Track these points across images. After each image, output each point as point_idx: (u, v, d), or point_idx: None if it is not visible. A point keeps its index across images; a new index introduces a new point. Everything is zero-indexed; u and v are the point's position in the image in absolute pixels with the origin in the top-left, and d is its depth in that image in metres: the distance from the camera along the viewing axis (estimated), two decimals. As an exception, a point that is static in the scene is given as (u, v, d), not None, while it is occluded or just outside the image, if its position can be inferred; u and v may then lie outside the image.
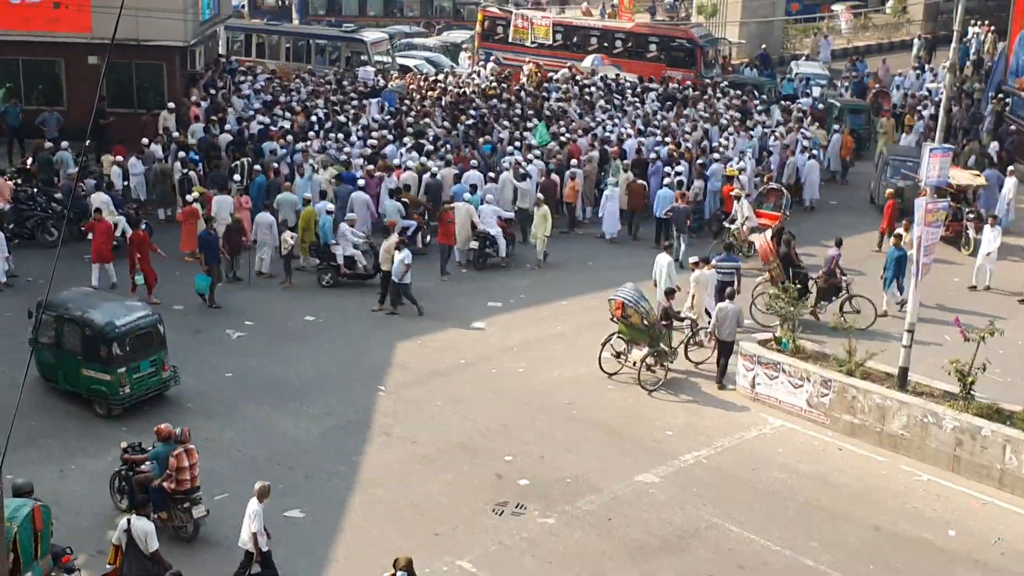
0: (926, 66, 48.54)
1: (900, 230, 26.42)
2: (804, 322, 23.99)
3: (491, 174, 30.22)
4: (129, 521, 14.93)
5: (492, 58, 48.38)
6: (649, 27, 48.97)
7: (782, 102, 40.65)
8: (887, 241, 28.04)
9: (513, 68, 45.77)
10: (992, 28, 53.20)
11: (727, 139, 34.24)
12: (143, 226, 25.32)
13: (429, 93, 39.62)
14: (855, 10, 60.79)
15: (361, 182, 28.99)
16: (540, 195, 29.02)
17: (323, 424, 20.23)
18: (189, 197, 27.56)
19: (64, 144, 30.61)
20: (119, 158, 29.92)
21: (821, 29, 58.64)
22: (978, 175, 31.19)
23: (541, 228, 28.08)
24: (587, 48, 47.27)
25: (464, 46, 51.14)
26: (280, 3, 59.39)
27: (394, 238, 25.17)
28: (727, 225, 29.08)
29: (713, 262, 24.95)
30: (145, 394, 20.34)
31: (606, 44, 47.19)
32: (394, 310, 24.99)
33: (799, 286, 23.59)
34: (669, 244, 26.75)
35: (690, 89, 41.36)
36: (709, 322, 23.15)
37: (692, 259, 24.98)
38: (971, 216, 29.12)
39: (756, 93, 41.87)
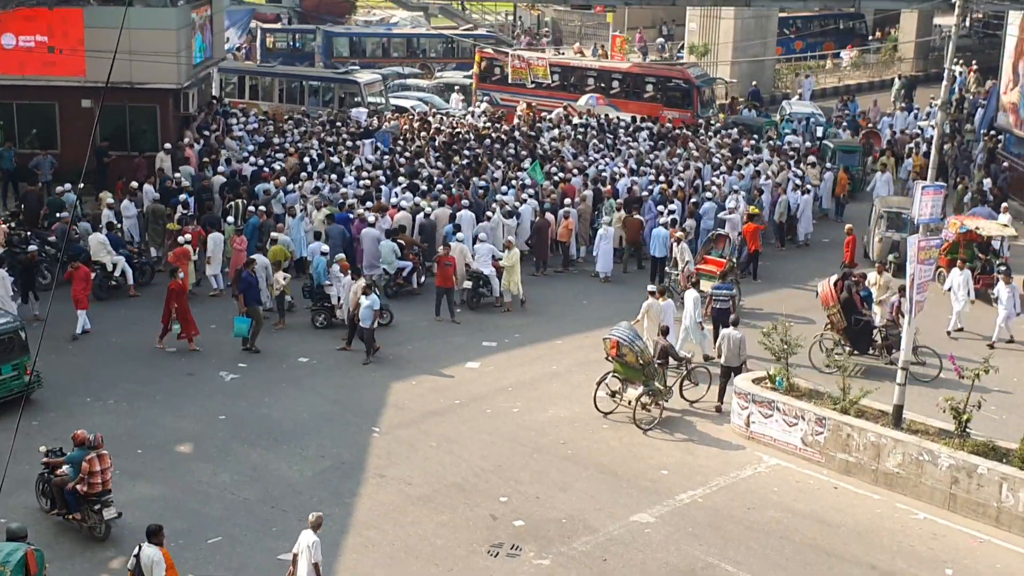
0: (914, 105, 48.87)
1: (874, 272, 26.29)
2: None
3: (488, 213, 30.30)
4: (140, 547, 15.03)
5: (487, 99, 48.78)
6: (646, 68, 49.31)
7: (770, 141, 40.70)
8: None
9: (510, 108, 46.06)
10: (976, 68, 53.69)
11: (718, 177, 34.35)
12: (180, 275, 25.21)
13: (422, 134, 39.82)
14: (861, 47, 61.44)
15: (371, 218, 29.20)
16: (511, 238, 28.96)
17: (317, 466, 20.14)
18: (180, 239, 27.60)
19: (67, 186, 30.57)
20: (111, 200, 29.93)
21: (803, 69, 59.06)
22: (1007, 226, 30.47)
23: (513, 273, 27.93)
24: (584, 88, 47.58)
25: (457, 88, 51.41)
26: (292, 46, 59.89)
27: (361, 282, 25.04)
28: (668, 270, 28.79)
29: (711, 290, 26.07)
30: (7, 396, 21.21)
31: (603, 84, 47.47)
32: (368, 358, 24.72)
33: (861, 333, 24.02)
34: (696, 282, 26.73)
35: (682, 128, 41.57)
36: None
37: (650, 287, 25.39)
38: (1002, 269, 27.93)
39: (755, 135, 41.68)
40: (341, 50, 58.52)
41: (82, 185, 31.00)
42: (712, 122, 43.52)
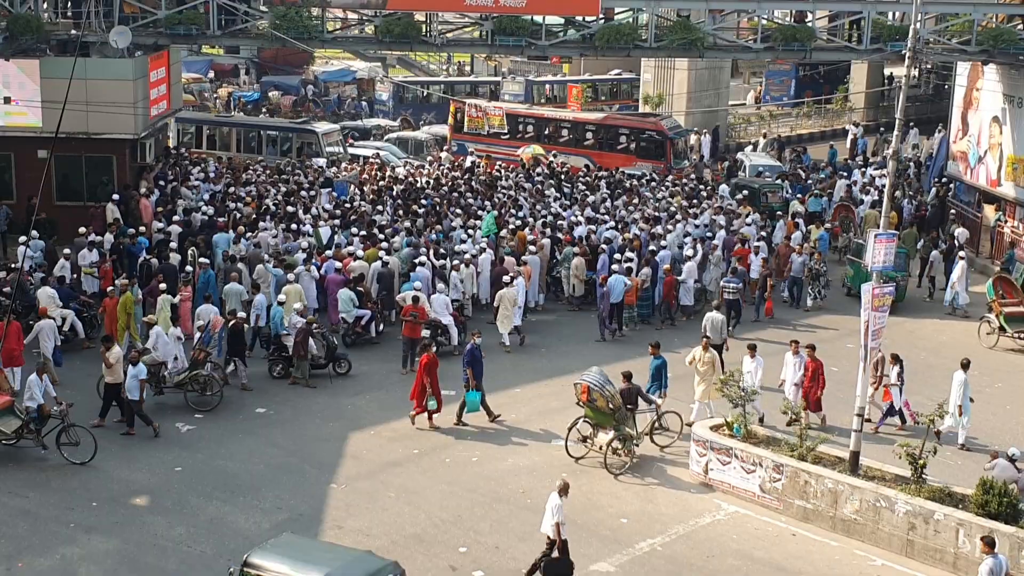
0: (855, 157, 49.16)
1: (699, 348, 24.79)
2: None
3: (433, 260, 30.31)
4: None
5: (446, 147, 49.18)
6: (619, 119, 49.56)
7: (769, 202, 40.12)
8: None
9: (489, 159, 46.42)
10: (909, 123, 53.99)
11: (673, 226, 34.63)
12: (434, 348, 24.55)
13: (381, 183, 40.01)
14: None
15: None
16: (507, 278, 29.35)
17: (274, 518, 19.96)
18: (118, 281, 27.42)
19: (34, 234, 30.32)
20: (67, 251, 29.70)
21: (755, 120, 59.57)
22: None
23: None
24: (558, 140, 47.88)
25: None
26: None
27: (119, 350, 23.65)
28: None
29: (721, 283, 30.10)
30: None
31: (577, 135, 47.79)
32: (129, 430, 23.11)
33: None
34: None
35: (635, 178, 41.92)
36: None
37: (505, 277, 28.86)
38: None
39: (757, 198, 39.80)
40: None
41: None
42: (686, 173, 43.67)
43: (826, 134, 59.04)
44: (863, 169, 46.07)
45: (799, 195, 40.85)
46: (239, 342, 25.74)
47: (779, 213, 37.82)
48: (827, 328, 30.72)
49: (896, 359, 24.09)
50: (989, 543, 16.73)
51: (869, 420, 21.85)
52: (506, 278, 28.88)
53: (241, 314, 26.25)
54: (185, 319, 27.19)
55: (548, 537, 17.63)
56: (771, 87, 66.22)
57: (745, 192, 39.74)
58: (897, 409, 24.01)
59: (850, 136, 54.06)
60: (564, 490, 17.58)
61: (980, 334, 30.07)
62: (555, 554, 17.55)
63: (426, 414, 23.88)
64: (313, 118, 53.82)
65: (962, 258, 32.60)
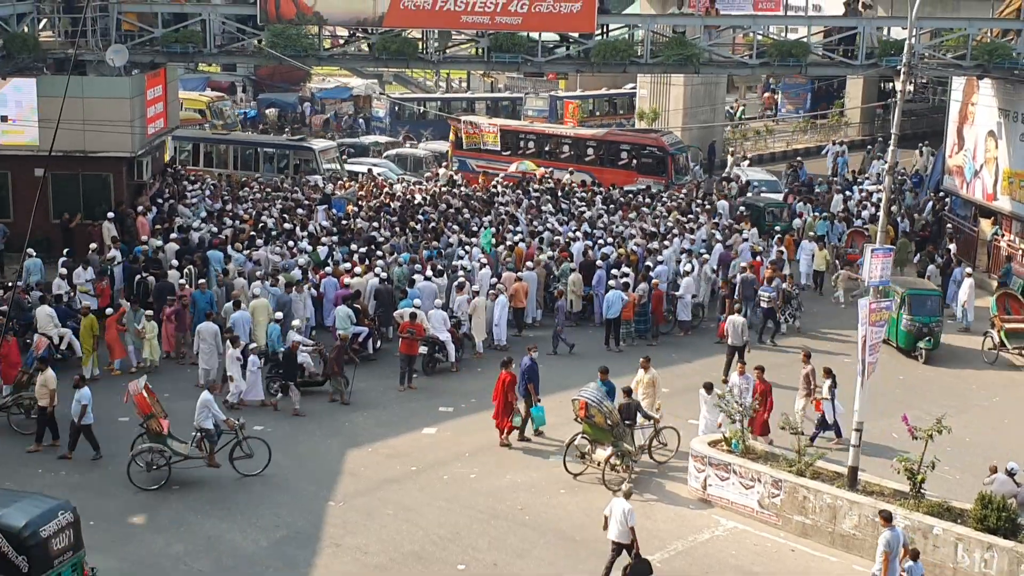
0: (853, 175, 49.19)
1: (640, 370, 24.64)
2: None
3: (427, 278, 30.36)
4: None
5: (444, 164, 49.31)
6: (621, 135, 49.65)
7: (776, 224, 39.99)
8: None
9: (486, 176, 46.51)
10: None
11: (669, 242, 34.68)
12: (513, 367, 24.15)
13: (380, 198, 40.16)
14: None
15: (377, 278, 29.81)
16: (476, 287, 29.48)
17: (272, 536, 19.94)
18: (123, 304, 27.42)
19: (31, 252, 30.35)
20: (63, 271, 29.67)
21: (752, 134, 59.65)
22: None
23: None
24: (559, 155, 47.98)
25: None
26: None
27: (51, 374, 22.98)
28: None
29: (758, 292, 30.32)
30: None
31: (578, 152, 47.85)
32: (68, 454, 22.76)
33: None
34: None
35: (631, 193, 41.98)
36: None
37: (475, 288, 29.52)
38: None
39: (759, 218, 39.52)
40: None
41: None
42: (688, 188, 43.78)
43: (822, 149, 59.00)
44: (859, 185, 46.13)
45: (815, 213, 40.36)
46: (293, 366, 25.62)
47: (776, 229, 37.84)
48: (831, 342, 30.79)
49: (828, 373, 24.00)
50: (886, 517, 17.77)
51: (802, 433, 22.11)
52: (477, 287, 29.31)
53: (297, 337, 26.16)
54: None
55: (614, 543, 18.17)
56: (787, 100, 66.37)
57: (742, 210, 39.71)
58: (831, 423, 23.88)
59: (830, 154, 53.77)
60: (628, 495, 18.39)
61: (983, 349, 30.06)
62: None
63: (516, 431, 24.08)
64: (329, 135, 54.18)
65: (969, 275, 32.58)
